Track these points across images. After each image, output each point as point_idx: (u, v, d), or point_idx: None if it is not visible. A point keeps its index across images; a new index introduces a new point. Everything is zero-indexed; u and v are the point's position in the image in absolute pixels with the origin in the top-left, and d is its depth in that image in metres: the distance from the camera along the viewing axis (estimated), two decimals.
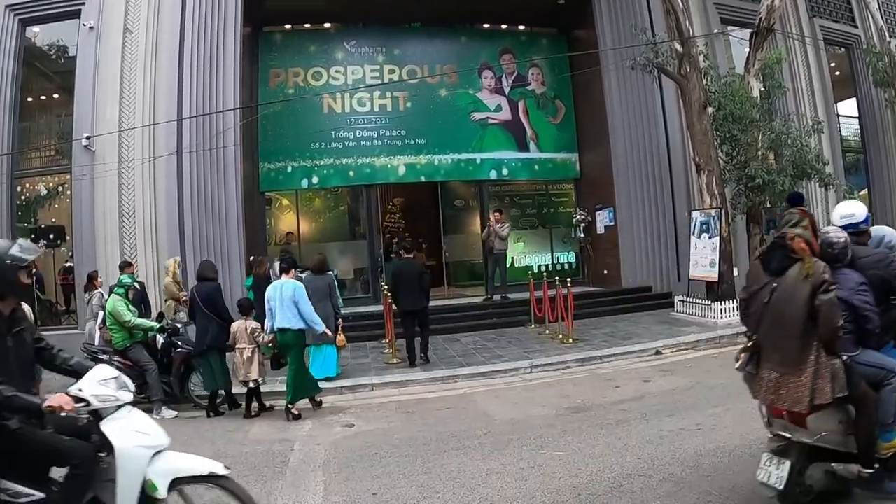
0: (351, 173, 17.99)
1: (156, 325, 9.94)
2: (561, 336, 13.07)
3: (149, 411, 8.63)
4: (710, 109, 14.62)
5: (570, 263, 19.62)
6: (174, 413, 9.55)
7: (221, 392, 9.66)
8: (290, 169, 17.83)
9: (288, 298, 8.98)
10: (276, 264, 11.92)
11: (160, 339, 10.10)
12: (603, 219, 18.31)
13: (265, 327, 9.31)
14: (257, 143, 17.64)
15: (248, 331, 9.28)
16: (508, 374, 10.87)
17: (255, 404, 9.36)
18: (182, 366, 9.94)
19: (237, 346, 9.27)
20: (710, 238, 14.36)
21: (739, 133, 14.92)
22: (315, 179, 17.90)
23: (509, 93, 19.24)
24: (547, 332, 13.89)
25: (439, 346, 13.35)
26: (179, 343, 10.05)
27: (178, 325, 10.37)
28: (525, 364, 11.13)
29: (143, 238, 14.83)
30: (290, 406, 8.95)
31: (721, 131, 15.00)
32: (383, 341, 13.73)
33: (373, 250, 17.76)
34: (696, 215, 15.00)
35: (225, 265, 14.38)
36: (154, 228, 14.80)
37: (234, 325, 9.39)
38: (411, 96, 18.47)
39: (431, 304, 12.64)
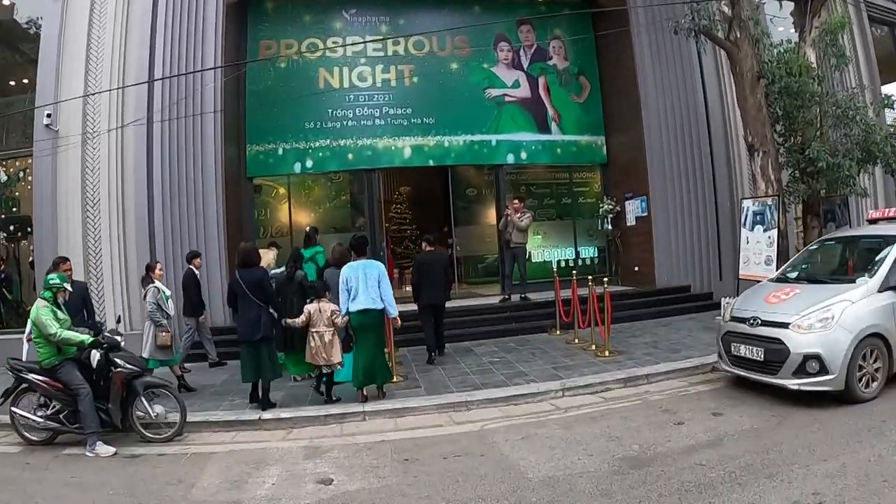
0: (350, 156, 15.78)
1: (87, 338, 7.82)
2: (594, 347, 10.84)
3: (81, 444, 7.64)
4: (763, 82, 12.34)
5: (594, 259, 17.39)
6: (111, 450, 7.50)
7: None
8: (280, 152, 15.67)
9: (374, 278, 8.76)
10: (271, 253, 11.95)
11: (95, 355, 7.91)
12: (634, 209, 16.00)
13: (342, 307, 8.81)
14: (244, 124, 15.64)
15: (329, 313, 8.79)
16: (535, 400, 8.59)
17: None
18: (123, 389, 7.90)
19: (314, 331, 8.77)
20: (765, 231, 12.10)
21: (795, 110, 12.66)
22: (309, 163, 15.73)
23: (528, 68, 16.88)
24: (576, 340, 11.67)
25: (449, 358, 11.26)
26: (119, 361, 7.94)
27: (118, 338, 8.15)
28: (556, 386, 8.84)
29: (108, 226, 12.97)
30: (361, 390, 8.78)
31: (774, 108, 12.76)
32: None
33: (374, 243, 15.43)
34: (748, 204, 12.71)
35: (203, 257, 12.42)
36: (121, 214, 12.99)
37: (308, 308, 8.89)
38: (418, 70, 16.17)
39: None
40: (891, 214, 9.77)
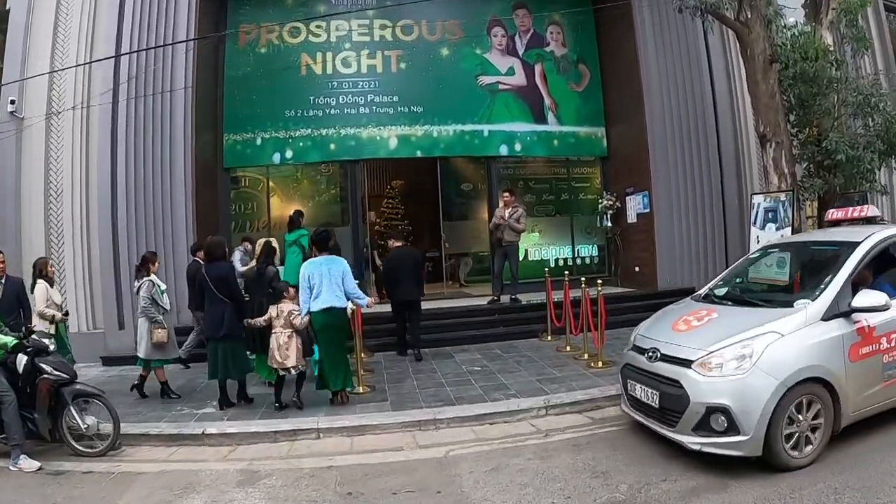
0: (332, 146, 14.69)
1: (10, 340, 6.94)
2: (587, 356, 9.74)
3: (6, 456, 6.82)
4: (776, 66, 11.19)
5: (593, 258, 16.21)
6: (36, 465, 6.66)
7: None
8: (259, 141, 14.59)
9: (338, 275, 8.19)
10: (237, 253, 11.42)
11: (22, 359, 6.97)
12: (635, 205, 14.84)
13: (303, 306, 8.16)
14: (221, 112, 14.58)
15: (287, 313, 8.12)
16: (514, 419, 7.48)
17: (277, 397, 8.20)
18: (50, 398, 7.04)
19: (273, 331, 8.16)
20: (777, 230, 10.84)
21: (811, 98, 11.52)
22: (289, 154, 14.64)
23: (524, 54, 15.72)
24: (567, 347, 10.57)
25: (426, 365, 10.20)
26: (45, 367, 7.00)
27: (47, 342, 7.24)
28: (538, 403, 7.71)
29: (72, 219, 12.21)
30: (344, 392, 8.30)
31: (788, 96, 11.63)
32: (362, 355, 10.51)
33: (357, 239, 14.44)
34: (759, 200, 11.51)
35: (168, 252, 11.80)
36: (85, 206, 12.22)
37: (272, 309, 8.25)
38: (406, 56, 15.06)
39: (423, 307, 11.52)
40: (855, 215, 7.62)
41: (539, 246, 15.91)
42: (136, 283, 9.13)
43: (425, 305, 12.09)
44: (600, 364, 9.27)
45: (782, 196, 10.85)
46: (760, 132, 11.26)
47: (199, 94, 12.99)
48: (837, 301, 5.91)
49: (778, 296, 7.03)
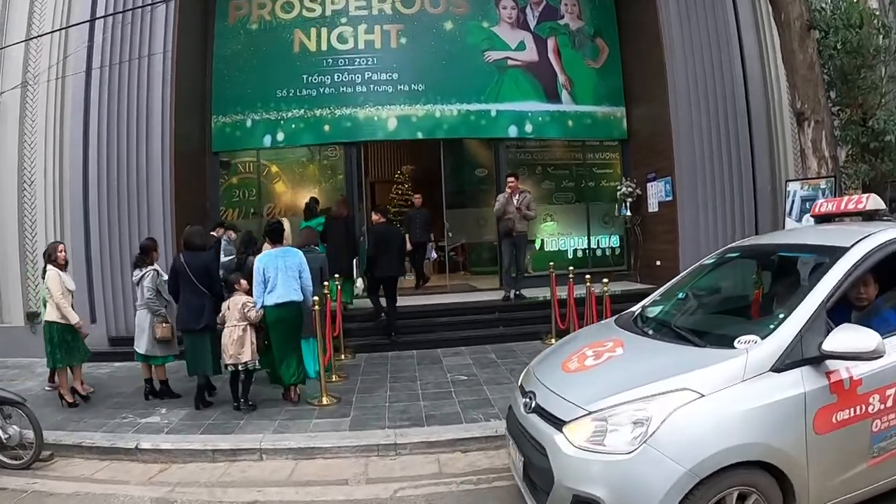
0: (326, 128, 13.58)
1: None
2: None
3: None
4: (815, 34, 9.83)
5: (612, 249, 14.84)
6: None
7: None
8: (249, 123, 13.58)
9: (293, 268, 7.73)
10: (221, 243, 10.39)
11: None
12: (656, 192, 13.46)
13: (256, 300, 7.65)
14: (210, 93, 13.61)
15: (241, 305, 7.60)
16: (492, 446, 6.23)
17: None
18: None
19: (226, 325, 7.65)
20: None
21: (855, 71, 10.14)
22: (280, 136, 13.59)
23: (535, 27, 14.35)
24: None
25: (406, 371, 9.03)
26: None
27: None
28: None
29: (45, 207, 11.43)
30: (295, 388, 7.82)
31: (828, 68, 10.26)
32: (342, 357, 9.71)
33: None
34: (796, 188, 10.17)
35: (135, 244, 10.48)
36: (59, 194, 11.38)
37: (224, 303, 7.75)
38: (407, 30, 13.85)
39: (414, 303, 11.59)
40: (851, 207, 5.33)
41: (552, 237, 14.61)
42: (138, 274, 8.22)
43: (422, 301, 11.72)
44: None
45: (822, 183, 9.53)
46: (797, 109, 9.89)
47: (187, 75, 12.18)
48: (801, 341, 3.91)
49: (719, 327, 4.81)
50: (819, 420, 3.81)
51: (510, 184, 11.57)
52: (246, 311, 7.59)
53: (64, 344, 7.94)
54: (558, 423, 3.99)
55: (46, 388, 8.72)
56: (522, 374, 5.11)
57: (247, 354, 7.51)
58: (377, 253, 10.25)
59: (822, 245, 4.65)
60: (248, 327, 7.61)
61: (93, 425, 7.17)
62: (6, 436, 6.31)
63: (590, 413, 3.88)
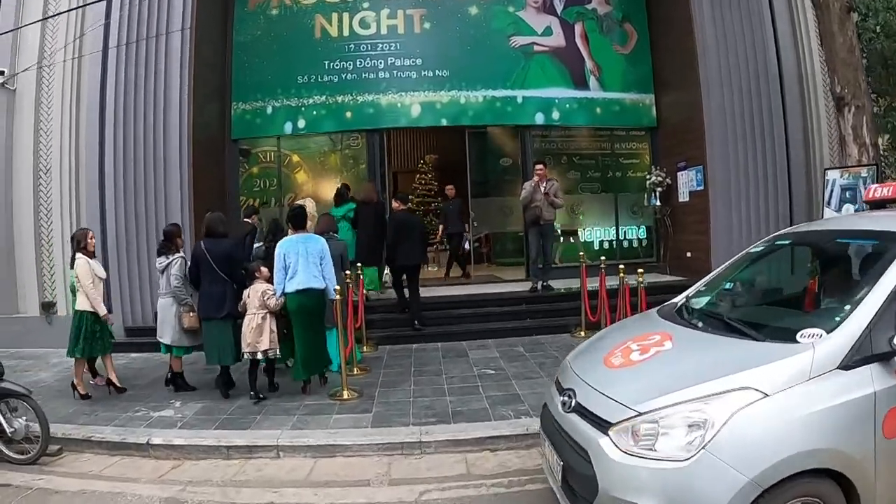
0: (348, 114, 13.17)
1: None
2: None
3: None
4: (855, 16, 9.36)
5: (640, 241, 14.33)
6: None
7: None
8: (269, 110, 13.23)
9: (315, 254, 7.49)
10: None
11: None
12: (687, 181, 12.93)
13: (277, 287, 7.46)
14: (229, 79, 13.29)
15: (261, 293, 7.45)
16: (521, 445, 5.86)
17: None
18: None
19: (246, 313, 7.48)
20: (857, 211, 9.05)
21: (895, 55, 9.65)
22: (301, 123, 13.21)
23: (562, 12, 13.83)
24: None
25: (430, 364, 8.63)
26: None
27: None
28: None
29: (60, 195, 11.20)
30: (305, 383, 7.65)
31: (867, 53, 9.76)
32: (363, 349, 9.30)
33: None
34: (834, 176, 9.71)
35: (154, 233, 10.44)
36: (74, 182, 11.15)
37: (245, 291, 7.59)
38: (431, 15, 13.38)
39: (439, 294, 11.27)
40: None
41: (580, 227, 14.12)
42: (163, 261, 7.89)
43: (448, 292, 11.46)
44: None
45: (863, 171, 9.09)
46: (837, 94, 9.46)
47: (206, 60, 11.95)
48: (870, 335, 3.42)
49: (776, 319, 4.36)
50: (889, 423, 3.34)
51: (538, 171, 11.09)
52: (266, 299, 7.41)
53: (90, 335, 7.63)
54: (603, 425, 3.56)
55: (92, 382, 8.31)
56: (560, 369, 4.68)
57: (265, 343, 7.34)
58: (397, 240, 9.98)
59: (886, 231, 4.13)
60: (268, 315, 7.43)
61: (104, 419, 6.89)
62: (11, 429, 6.06)
63: (639, 414, 3.44)
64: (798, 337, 3.54)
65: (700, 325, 4.38)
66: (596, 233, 14.16)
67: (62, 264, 10.93)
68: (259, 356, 7.41)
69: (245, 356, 7.47)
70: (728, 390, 3.34)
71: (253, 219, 10.26)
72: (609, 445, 3.46)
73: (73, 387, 7.78)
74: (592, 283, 9.87)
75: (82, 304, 7.63)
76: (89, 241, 7.85)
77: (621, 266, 8.45)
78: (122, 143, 10.71)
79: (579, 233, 14.10)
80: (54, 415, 6.88)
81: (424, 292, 10.77)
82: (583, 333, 9.73)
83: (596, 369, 4.13)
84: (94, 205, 10.76)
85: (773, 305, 4.97)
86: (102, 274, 8.01)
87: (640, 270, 7.96)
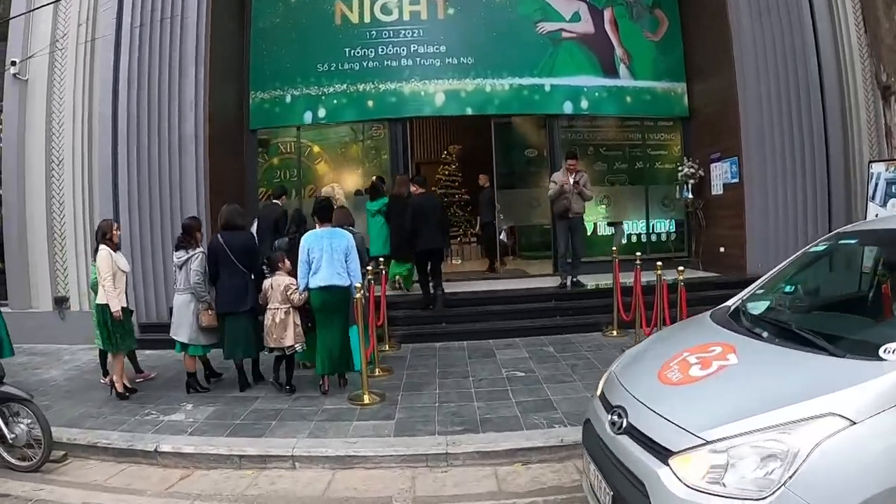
0: (370, 103, 12.67)
1: None
2: None
3: None
4: None
5: (669, 235, 13.75)
6: None
7: None
8: (288, 99, 12.77)
9: (340, 250, 7.16)
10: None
11: None
12: (721, 173, 12.34)
13: (300, 282, 7.18)
14: (247, 68, 12.86)
15: (283, 287, 7.23)
16: (556, 457, 5.35)
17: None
18: None
19: (268, 307, 7.27)
20: None
21: None
22: (321, 112, 12.72)
23: None
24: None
25: (456, 365, 8.12)
26: None
27: None
28: None
29: (73, 186, 10.73)
30: (323, 379, 7.29)
31: None
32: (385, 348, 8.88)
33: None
34: (880, 170, 9.03)
35: (175, 224, 9.89)
36: (87, 173, 10.69)
37: (266, 283, 7.41)
38: (455, 1, 12.84)
39: (464, 290, 10.83)
40: None
41: (608, 220, 13.57)
42: (182, 255, 7.49)
43: (473, 287, 11.07)
44: None
45: None
46: (883, 83, 8.86)
47: (222, 48, 11.53)
48: None
49: (852, 330, 3.77)
50: None
51: (570, 165, 10.57)
52: (289, 293, 7.19)
53: (119, 327, 7.24)
54: (662, 454, 3.02)
55: (138, 379, 7.96)
56: (603, 380, 4.15)
57: (290, 339, 7.16)
58: (417, 225, 9.62)
59: None
60: (292, 310, 7.21)
61: (112, 422, 6.48)
62: (12, 435, 5.71)
63: (707, 443, 2.89)
64: (882, 352, 2.97)
65: (765, 335, 3.78)
66: (626, 226, 13.61)
67: (75, 257, 10.58)
68: (287, 351, 7.22)
69: (274, 352, 7.28)
70: (810, 417, 2.78)
71: (283, 200, 10.09)
72: (670, 478, 2.92)
73: (112, 385, 7.44)
74: (623, 279, 9.38)
75: (103, 298, 7.23)
76: (114, 232, 7.47)
77: (658, 262, 7.91)
78: (135, 133, 10.28)
79: (601, 227, 13.54)
80: (61, 417, 6.57)
81: (449, 287, 10.37)
82: (615, 333, 9.23)
83: (650, 385, 3.60)
84: (106, 196, 10.33)
85: (842, 312, 4.35)
86: (126, 267, 7.60)
87: (681, 268, 7.44)
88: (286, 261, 7.38)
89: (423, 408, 6.46)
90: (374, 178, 11.70)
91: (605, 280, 10.85)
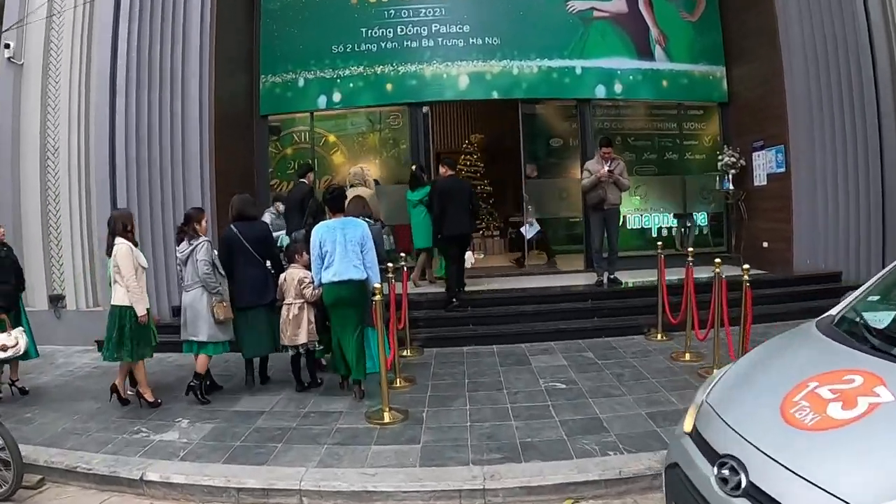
0: (388, 87, 11.76)
1: None
2: (717, 372, 6.49)
3: None
4: None
5: (704, 228, 12.70)
6: None
7: None
8: (301, 83, 11.86)
9: (355, 241, 6.43)
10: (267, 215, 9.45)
11: None
12: (765, 163, 11.33)
13: (314, 276, 6.56)
14: (257, 50, 11.99)
15: (296, 282, 6.72)
16: (613, 492, 4.40)
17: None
18: None
19: (284, 302, 6.81)
20: None
21: None
22: (336, 97, 11.80)
23: None
24: (686, 355, 7.29)
25: (487, 374, 7.12)
26: None
27: None
28: (653, 464, 4.46)
29: (69, 176, 9.86)
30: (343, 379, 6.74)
31: None
32: (406, 353, 7.90)
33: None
34: None
35: (178, 214, 9.06)
36: (83, 161, 9.81)
37: (282, 276, 6.92)
38: None
39: (492, 288, 10.14)
40: None
41: (641, 212, 12.52)
42: (186, 248, 6.71)
43: (501, 285, 10.31)
44: None
45: None
46: None
47: (230, 29, 10.71)
48: None
49: None
50: None
51: (605, 153, 9.58)
52: (302, 287, 6.66)
53: (137, 332, 6.34)
54: None
55: (129, 391, 6.83)
56: (693, 413, 3.23)
57: (303, 336, 6.66)
58: (442, 208, 9.06)
59: None
60: (306, 305, 6.70)
61: (97, 441, 5.57)
62: None
63: None
64: None
65: None
66: (661, 219, 12.59)
67: (71, 252, 9.73)
68: (300, 350, 6.75)
69: (288, 350, 6.77)
70: None
71: (309, 177, 9.53)
72: None
73: (139, 395, 6.57)
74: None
75: (121, 298, 6.34)
76: (133, 225, 6.71)
77: (717, 259, 6.90)
78: (133, 118, 9.39)
79: (637, 219, 12.52)
80: (42, 433, 5.74)
81: (473, 285, 9.65)
82: (659, 336, 8.23)
83: (773, 428, 2.66)
84: (103, 187, 9.44)
85: None
86: (145, 264, 6.76)
87: (746, 266, 6.41)
88: (304, 253, 6.78)
89: (452, 428, 5.47)
90: (413, 166, 10.86)
91: (640, 277, 9.99)
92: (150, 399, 6.50)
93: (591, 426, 5.37)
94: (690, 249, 7.95)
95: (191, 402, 6.53)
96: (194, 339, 6.63)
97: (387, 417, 5.68)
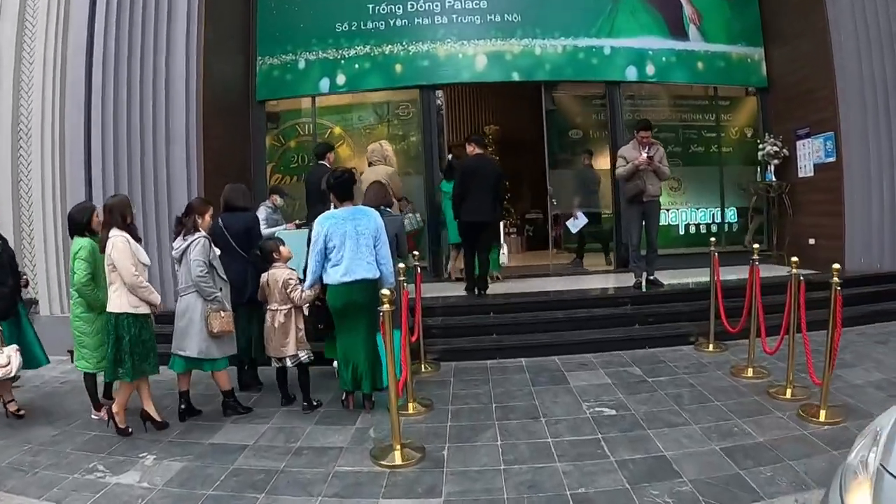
0: (398, 68, 10.65)
1: None
2: (790, 394, 5.35)
3: None
4: None
5: (734, 224, 11.60)
6: None
7: None
8: (302, 64, 10.78)
9: (368, 235, 5.50)
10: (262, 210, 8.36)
11: None
12: (811, 152, 10.20)
13: (310, 275, 5.59)
14: (254, 29, 10.91)
15: (280, 284, 5.69)
16: None
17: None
18: None
19: (268, 308, 5.79)
20: None
21: None
22: (340, 79, 10.71)
23: None
24: (749, 370, 6.08)
25: (518, 396, 5.88)
26: None
27: None
28: None
29: (41, 165, 8.73)
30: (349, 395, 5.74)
31: None
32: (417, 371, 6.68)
33: (432, 192, 10.48)
34: None
35: (162, 209, 8.48)
36: (58, 151, 8.72)
37: (263, 277, 5.88)
38: None
39: (515, 290, 9.00)
40: None
41: (674, 206, 11.34)
42: (180, 244, 5.67)
43: (525, 288, 9.20)
44: (822, 416, 4.80)
45: None
46: None
47: (223, 6, 9.75)
48: None
49: None
50: None
51: (643, 137, 8.40)
52: (288, 291, 5.70)
53: (139, 345, 5.21)
54: None
55: (94, 416, 5.80)
56: (855, 478, 2.32)
57: (292, 347, 5.75)
58: (464, 190, 8.16)
59: None
60: (293, 311, 5.77)
61: (42, 481, 4.44)
62: None
63: None
64: None
65: None
66: (696, 214, 11.43)
67: (44, 251, 8.64)
68: (288, 362, 5.78)
69: (272, 362, 5.92)
70: None
71: (329, 158, 8.87)
72: None
73: (144, 417, 5.46)
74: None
75: (119, 305, 5.20)
76: (132, 213, 5.58)
77: (794, 259, 5.71)
78: (111, 100, 8.33)
79: (674, 214, 11.34)
80: None
81: (495, 287, 8.69)
82: (711, 347, 7.03)
83: None
84: (78, 178, 8.40)
85: None
86: (146, 260, 5.54)
87: (837, 266, 5.21)
88: (282, 248, 5.97)
89: (482, 474, 4.22)
90: (449, 155, 10.13)
91: (680, 278, 8.90)
92: (122, 425, 5.32)
93: (657, 469, 4.16)
94: (756, 246, 6.78)
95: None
96: (181, 353, 5.51)
97: (398, 458, 4.44)
